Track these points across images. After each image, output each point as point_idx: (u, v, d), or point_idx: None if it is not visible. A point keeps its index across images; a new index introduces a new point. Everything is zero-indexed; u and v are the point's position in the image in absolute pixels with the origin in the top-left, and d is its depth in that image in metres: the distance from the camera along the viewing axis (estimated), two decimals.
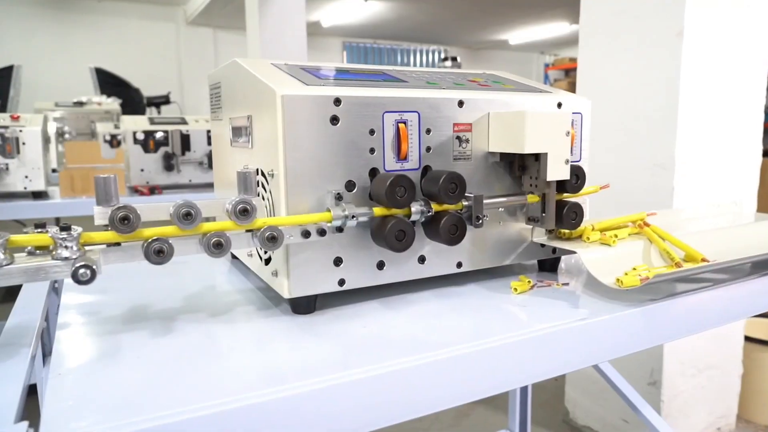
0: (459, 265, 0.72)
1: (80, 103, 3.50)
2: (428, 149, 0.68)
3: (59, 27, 6.66)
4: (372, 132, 0.64)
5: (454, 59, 8.63)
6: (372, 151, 0.64)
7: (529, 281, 0.74)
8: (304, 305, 0.64)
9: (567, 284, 0.75)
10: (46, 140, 2.16)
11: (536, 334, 0.58)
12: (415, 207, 0.64)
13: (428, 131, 0.67)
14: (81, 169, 2.11)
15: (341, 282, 0.64)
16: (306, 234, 0.59)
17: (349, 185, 0.63)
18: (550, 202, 0.71)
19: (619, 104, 1.64)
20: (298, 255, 0.61)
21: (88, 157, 2.18)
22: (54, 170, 2.67)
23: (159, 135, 2.24)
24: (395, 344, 0.55)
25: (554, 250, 0.79)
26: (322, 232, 0.60)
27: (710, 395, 1.79)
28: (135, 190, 2.26)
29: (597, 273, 0.67)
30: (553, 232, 0.77)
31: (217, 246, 0.53)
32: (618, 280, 0.66)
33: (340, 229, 0.62)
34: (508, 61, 10.25)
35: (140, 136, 2.22)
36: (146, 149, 2.24)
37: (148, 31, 7.16)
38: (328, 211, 0.60)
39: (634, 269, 0.70)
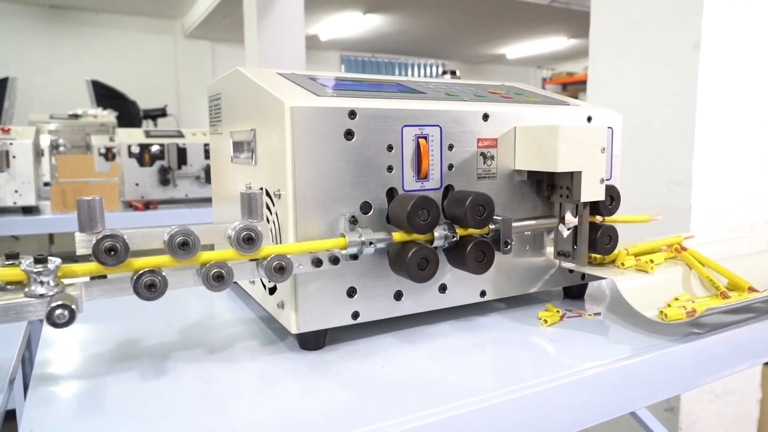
0: (483, 293, 0.66)
1: (75, 116, 3.43)
2: (450, 167, 0.61)
3: (56, 39, 6.61)
4: (390, 148, 0.57)
5: (453, 73, 8.61)
6: (390, 169, 0.57)
7: (557, 311, 0.67)
8: (312, 341, 0.57)
9: (599, 314, 0.69)
10: (38, 153, 2.09)
11: (575, 377, 0.51)
12: (439, 232, 0.57)
13: (450, 147, 0.61)
14: (74, 184, 2.04)
15: (355, 315, 0.58)
16: (317, 263, 0.52)
17: (365, 207, 0.56)
18: (584, 226, 0.65)
19: (632, 118, 1.59)
20: (307, 285, 0.54)
21: (81, 170, 2.11)
22: (47, 184, 2.60)
23: (155, 148, 2.17)
24: (416, 389, 0.48)
25: (583, 275, 0.73)
26: (335, 261, 0.53)
27: (728, 421, 1.71)
28: (129, 205, 2.18)
29: (636, 305, 0.61)
30: None
31: (218, 279, 0.47)
32: (661, 312, 0.59)
33: (354, 257, 0.56)
34: (505, 75, 10.24)
35: (135, 150, 2.15)
36: (141, 163, 2.17)
37: (146, 43, 7.10)
38: (343, 236, 0.53)
39: (677, 299, 0.64)
